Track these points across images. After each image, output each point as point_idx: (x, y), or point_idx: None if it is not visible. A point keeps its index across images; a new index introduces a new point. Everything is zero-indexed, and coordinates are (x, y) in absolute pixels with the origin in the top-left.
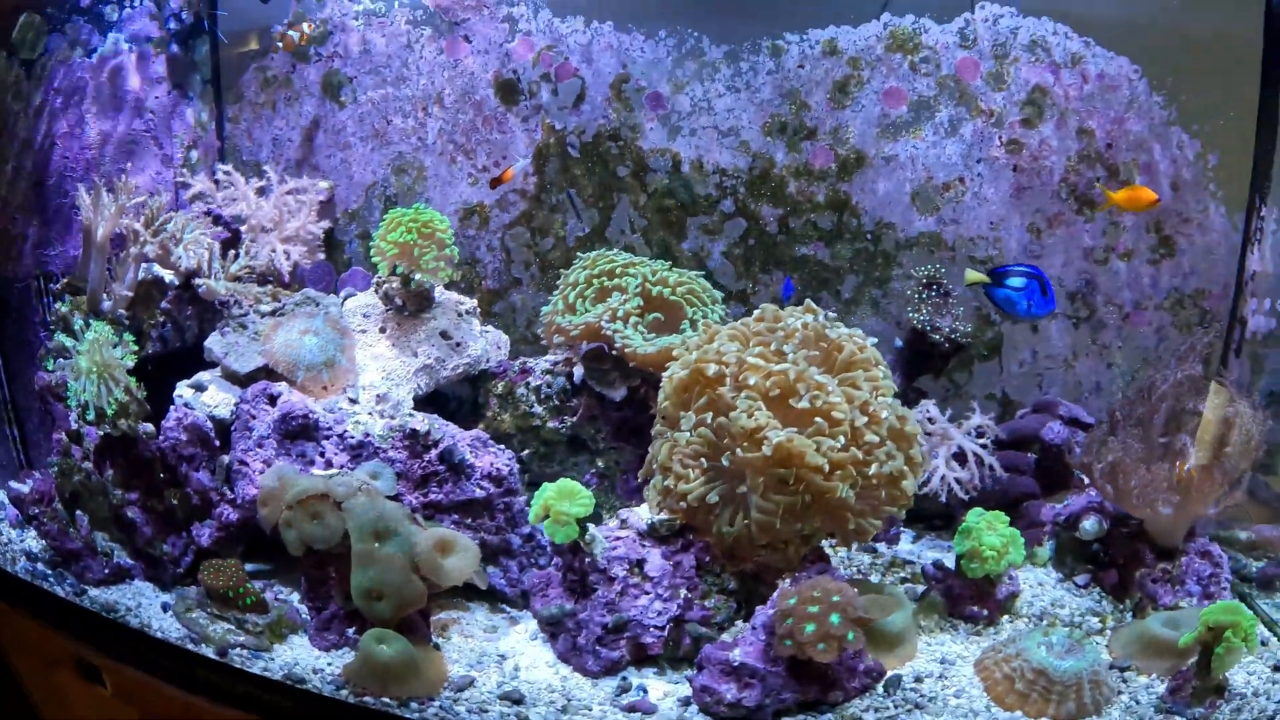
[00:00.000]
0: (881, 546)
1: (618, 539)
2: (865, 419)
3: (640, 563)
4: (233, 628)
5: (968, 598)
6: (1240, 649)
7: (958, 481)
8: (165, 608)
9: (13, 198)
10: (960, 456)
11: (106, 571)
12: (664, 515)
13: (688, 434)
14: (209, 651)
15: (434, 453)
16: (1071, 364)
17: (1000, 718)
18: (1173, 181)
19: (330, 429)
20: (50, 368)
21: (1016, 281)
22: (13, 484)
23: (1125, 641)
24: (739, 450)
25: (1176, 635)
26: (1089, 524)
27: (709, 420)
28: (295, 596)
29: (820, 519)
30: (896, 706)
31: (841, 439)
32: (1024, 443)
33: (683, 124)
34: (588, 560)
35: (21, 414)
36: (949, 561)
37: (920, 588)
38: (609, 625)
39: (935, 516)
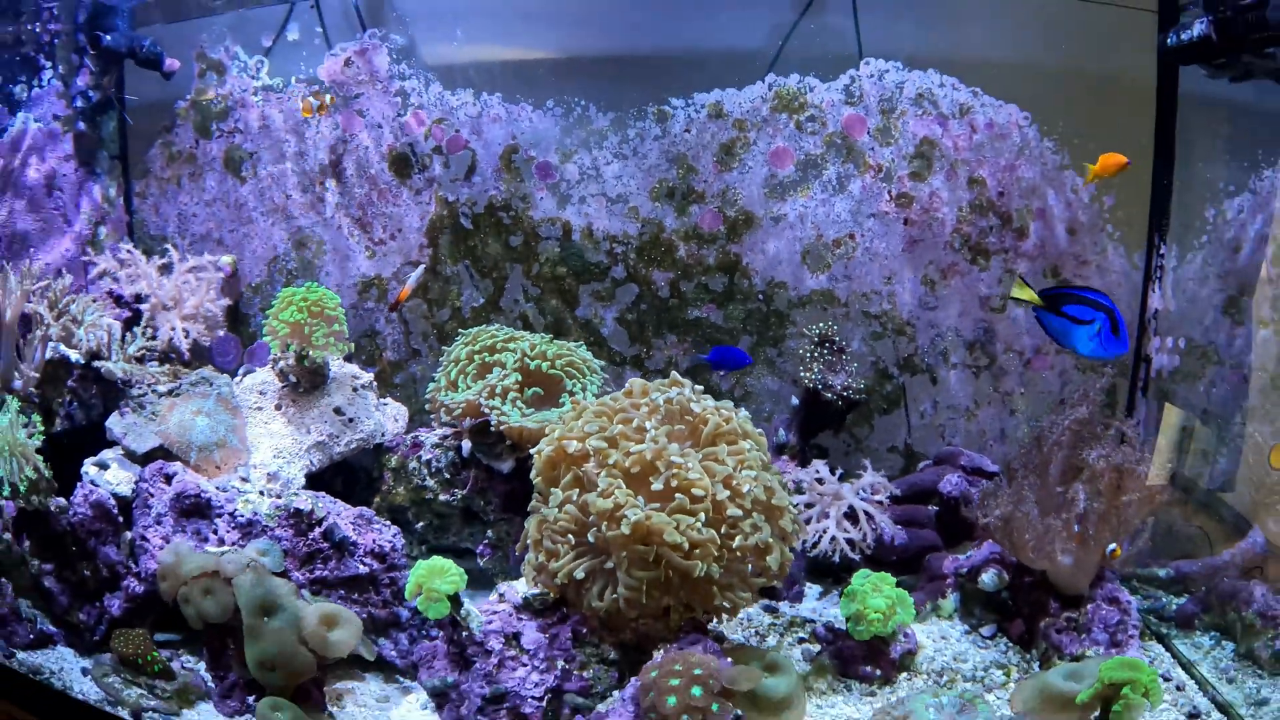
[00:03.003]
0: (784, 605)
1: (494, 613)
2: (728, 493)
3: (516, 636)
4: (145, 693)
5: (860, 658)
6: (1141, 704)
7: (849, 542)
8: (84, 672)
9: None
10: (853, 515)
11: (31, 636)
12: (538, 590)
13: (556, 511)
14: (125, 714)
15: (318, 531)
16: (974, 413)
17: None
18: (1069, 225)
19: (222, 508)
20: None
21: (1079, 311)
22: None
23: (1027, 696)
24: (602, 527)
25: (1078, 688)
26: (988, 577)
27: (575, 497)
28: (203, 665)
29: (687, 594)
30: None
31: (703, 516)
32: (924, 496)
33: (572, 192)
34: (464, 634)
35: None
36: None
37: (819, 648)
38: (487, 696)
39: (843, 571)
